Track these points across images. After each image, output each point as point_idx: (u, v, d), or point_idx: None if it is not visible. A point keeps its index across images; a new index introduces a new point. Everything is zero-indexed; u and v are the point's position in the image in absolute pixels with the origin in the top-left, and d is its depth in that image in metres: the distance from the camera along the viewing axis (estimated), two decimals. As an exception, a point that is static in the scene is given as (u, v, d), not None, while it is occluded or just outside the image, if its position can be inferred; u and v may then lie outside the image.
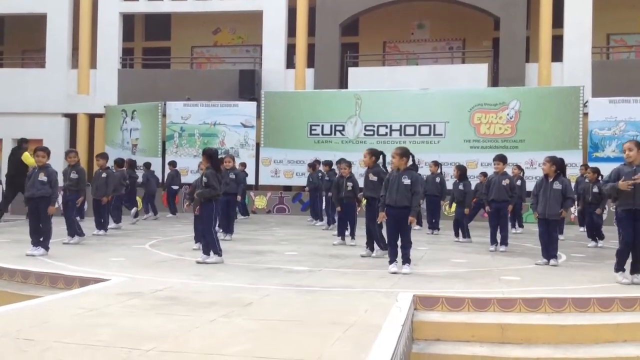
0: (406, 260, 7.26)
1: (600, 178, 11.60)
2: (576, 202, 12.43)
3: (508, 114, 17.97)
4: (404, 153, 7.44)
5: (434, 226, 13.09)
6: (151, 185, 16.65)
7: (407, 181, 7.31)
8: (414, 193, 7.24)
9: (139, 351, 3.69)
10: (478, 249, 10.46)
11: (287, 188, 19.69)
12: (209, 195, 8.05)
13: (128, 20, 22.76)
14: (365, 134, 18.74)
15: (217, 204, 8.35)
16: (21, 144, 15.13)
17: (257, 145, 19.51)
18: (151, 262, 8.02)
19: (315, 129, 19.13)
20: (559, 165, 8.49)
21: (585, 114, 17.52)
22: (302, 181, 17.95)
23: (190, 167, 19.93)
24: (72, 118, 21.78)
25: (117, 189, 12.53)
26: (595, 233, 11.21)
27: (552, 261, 8.31)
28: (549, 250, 8.39)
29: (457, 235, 11.54)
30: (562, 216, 8.53)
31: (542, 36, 19.00)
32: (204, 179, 8.18)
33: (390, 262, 7.32)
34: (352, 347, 3.90)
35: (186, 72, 22.23)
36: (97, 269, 7.16)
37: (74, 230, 9.82)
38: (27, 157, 13.91)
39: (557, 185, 8.40)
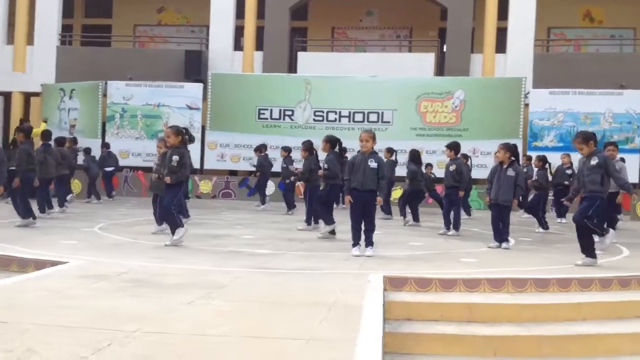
0: (369, 243, 7.31)
1: (547, 166, 12.05)
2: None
3: (453, 103, 18.34)
4: (373, 137, 7.48)
5: (387, 211, 13.27)
6: (92, 170, 16.21)
7: (373, 164, 7.35)
8: (381, 177, 7.29)
9: (123, 332, 3.57)
10: (429, 232, 10.68)
11: (233, 173, 19.49)
12: (184, 177, 7.84)
13: (67, -4, 21.88)
14: (314, 120, 18.74)
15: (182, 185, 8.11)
16: None
17: (203, 128, 19.18)
18: (105, 245, 7.78)
19: (264, 113, 18.97)
20: (512, 152, 8.73)
21: (526, 105, 18.08)
22: (249, 166, 17.83)
23: (132, 150, 19.48)
24: (7, 97, 20.83)
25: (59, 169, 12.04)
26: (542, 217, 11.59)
27: (503, 244, 8.56)
28: (501, 234, 8.64)
29: (403, 215, 11.83)
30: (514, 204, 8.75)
31: (487, 28, 19.44)
32: (176, 157, 7.85)
33: (354, 246, 7.36)
34: (340, 327, 3.90)
35: (129, 51, 21.59)
36: (50, 252, 6.88)
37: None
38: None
39: (510, 172, 8.64)
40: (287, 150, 14.33)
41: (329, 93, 18.71)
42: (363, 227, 7.37)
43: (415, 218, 11.83)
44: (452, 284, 5.87)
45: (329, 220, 8.96)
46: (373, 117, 18.59)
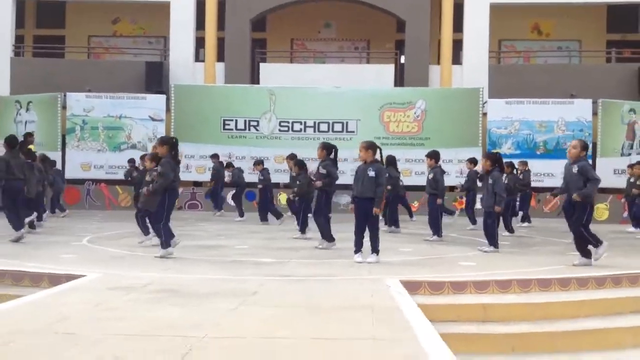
0: (373, 250, 7.54)
1: (516, 172, 12.64)
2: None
3: (415, 113, 18.85)
4: (369, 146, 7.73)
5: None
6: (58, 183, 15.87)
7: (371, 173, 7.60)
8: (377, 185, 7.53)
9: (195, 338, 3.68)
10: (410, 238, 11.01)
11: (198, 184, 19.41)
12: (165, 184, 7.84)
13: (18, 6, 21.30)
14: (280, 130, 18.89)
15: (170, 195, 8.08)
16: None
17: (167, 139, 19.01)
18: (107, 258, 7.75)
19: (229, 124, 19.00)
20: (493, 161, 9.17)
21: (484, 114, 18.76)
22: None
23: (94, 162, 19.14)
24: (-42, 109, 20.06)
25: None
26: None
27: (485, 247, 8.98)
28: (488, 238, 9.05)
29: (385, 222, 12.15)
30: (496, 211, 9.14)
31: (443, 40, 20.09)
32: (159, 168, 7.93)
33: (356, 252, 7.58)
34: (394, 326, 4.12)
35: (86, 63, 21.25)
36: (55, 265, 6.82)
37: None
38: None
39: (490, 180, 9.10)
40: (260, 163, 14.52)
41: (293, 104, 18.92)
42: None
43: (397, 224, 12.14)
44: (464, 286, 6.17)
45: (330, 238, 9.05)
46: (338, 127, 18.90)
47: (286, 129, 18.95)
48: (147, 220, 9.37)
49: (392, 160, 12.19)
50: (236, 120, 19.02)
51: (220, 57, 20.40)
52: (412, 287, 6.05)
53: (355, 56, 22.69)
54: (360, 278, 6.31)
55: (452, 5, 19.92)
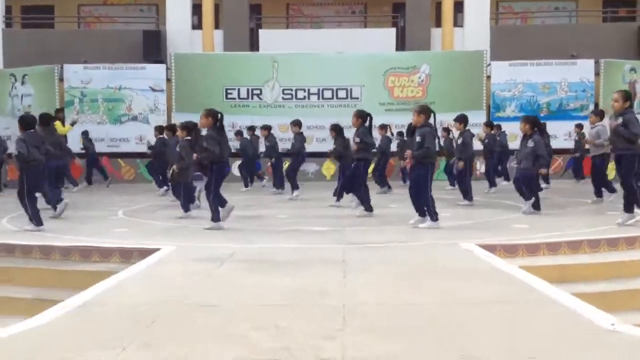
0: (428, 214, 7.54)
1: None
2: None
3: (419, 77, 18.79)
4: (421, 110, 7.69)
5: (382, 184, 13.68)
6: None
7: (418, 138, 7.59)
8: (419, 147, 7.50)
9: (336, 306, 3.66)
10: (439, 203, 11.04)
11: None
12: (206, 158, 7.71)
13: (5, -25, 20.56)
14: (283, 98, 18.69)
15: (218, 168, 7.94)
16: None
17: (169, 110, 18.74)
18: (158, 230, 7.66)
19: (231, 93, 18.73)
20: (532, 124, 9.18)
21: (488, 77, 18.77)
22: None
23: (95, 135, 18.67)
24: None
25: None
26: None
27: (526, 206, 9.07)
28: (526, 197, 9.11)
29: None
30: (542, 173, 9.20)
31: (445, 2, 19.91)
32: (203, 142, 7.82)
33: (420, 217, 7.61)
34: (521, 289, 4.15)
35: (80, 32, 20.70)
36: (113, 239, 6.71)
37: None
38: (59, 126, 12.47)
39: (530, 143, 9.12)
40: (267, 128, 14.27)
41: (296, 71, 18.69)
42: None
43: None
44: (536, 248, 6.24)
45: (368, 205, 9.02)
46: (342, 94, 18.76)
47: (290, 97, 18.75)
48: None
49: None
50: (239, 89, 18.75)
51: (217, 24, 20.01)
52: (489, 250, 6.09)
53: (353, 20, 22.42)
54: (433, 243, 6.32)
55: (453, -33, 19.71)
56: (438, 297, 3.94)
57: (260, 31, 19.99)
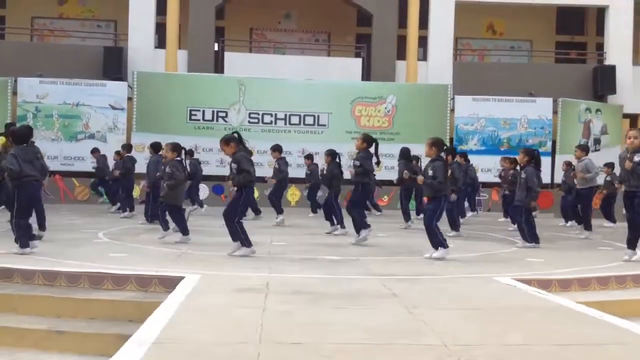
0: (435, 245, 7.40)
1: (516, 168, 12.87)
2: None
3: (386, 108, 18.88)
4: (433, 143, 7.65)
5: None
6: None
7: (430, 172, 7.54)
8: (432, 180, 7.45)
9: (436, 347, 3.38)
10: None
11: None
12: (245, 180, 7.24)
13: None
14: (249, 122, 18.36)
15: (247, 192, 7.43)
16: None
17: (129, 129, 18.02)
18: (160, 256, 7.13)
19: (195, 114, 18.24)
20: (530, 156, 9.25)
21: (452, 110, 19.06)
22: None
23: (48, 152, 17.65)
24: None
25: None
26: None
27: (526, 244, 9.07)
28: (524, 234, 9.12)
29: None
30: (529, 206, 9.25)
31: (410, 36, 20.17)
32: (234, 165, 7.31)
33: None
34: (596, 327, 4.00)
35: (36, 45, 19.80)
36: (116, 265, 6.19)
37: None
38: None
39: (523, 175, 9.18)
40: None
41: (263, 95, 18.43)
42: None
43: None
44: (568, 283, 6.16)
45: (365, 225, 8.86)
46: (309, 120, 18.60)
47: (256, 120, 18.45)
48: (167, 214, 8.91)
49: (407, 153, 12.16)
50: (204, 111, 18.31)
51: (180, 44, 19.55)
52: (528, 284, 5.95)
53: (316, 48, 22.40)
54: (466, 277, 6.13)
55: (419, 1, 20.03)
56: (535, 338, 3.72)
57: (226, 53, 19.65)
